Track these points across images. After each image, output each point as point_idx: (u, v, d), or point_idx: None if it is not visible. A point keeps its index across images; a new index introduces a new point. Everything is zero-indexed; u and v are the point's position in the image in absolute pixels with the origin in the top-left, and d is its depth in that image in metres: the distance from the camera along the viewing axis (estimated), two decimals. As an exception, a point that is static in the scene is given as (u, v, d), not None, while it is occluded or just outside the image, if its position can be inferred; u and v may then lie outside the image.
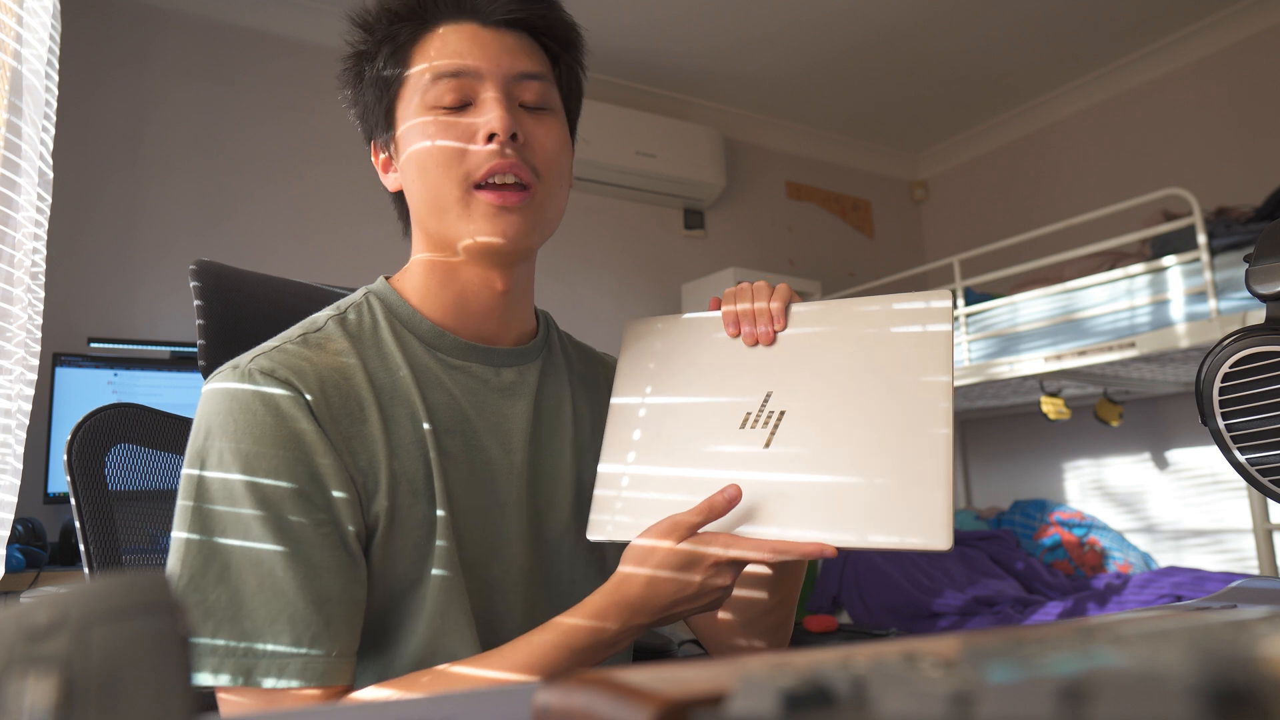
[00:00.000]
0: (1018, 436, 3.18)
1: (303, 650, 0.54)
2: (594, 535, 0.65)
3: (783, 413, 0.62)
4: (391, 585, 0.61)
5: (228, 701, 0.54)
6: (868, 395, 0.60)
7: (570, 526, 0.70)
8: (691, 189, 3.08)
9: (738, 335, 0.68)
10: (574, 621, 0.57)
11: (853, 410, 0.60)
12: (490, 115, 0.63)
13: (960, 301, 2.48)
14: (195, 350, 0.76)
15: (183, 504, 0.57)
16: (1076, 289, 2.18)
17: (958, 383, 2.44)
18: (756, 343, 0.67)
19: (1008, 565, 2.50)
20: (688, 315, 0.72)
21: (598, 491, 0.66)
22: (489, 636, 0.63)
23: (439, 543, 0.61)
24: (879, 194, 3.72)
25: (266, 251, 2.32)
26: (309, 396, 0.59)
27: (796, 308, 0.68)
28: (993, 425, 3.28)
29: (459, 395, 0.67)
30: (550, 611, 0.66)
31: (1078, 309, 2.17)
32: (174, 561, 0.56)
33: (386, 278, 0.72)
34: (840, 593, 2.61)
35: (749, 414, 0.63)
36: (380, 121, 0.69)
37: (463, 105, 0.65)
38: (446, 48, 0.65)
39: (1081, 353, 2.13)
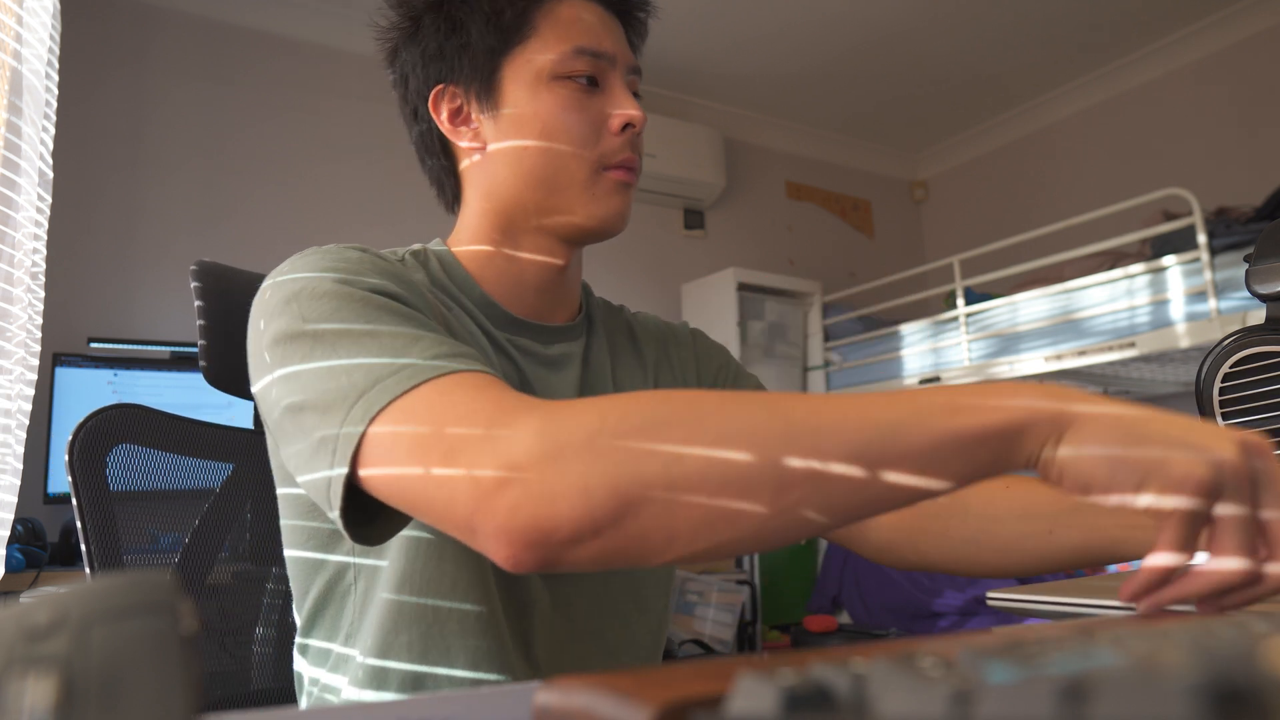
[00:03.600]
0: None
1: (461, 351, 0.47)
2: None
3: None
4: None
5: (382, 439, 0.44)
6: None
7: None
8: (691, 189, 3.08)
9: None
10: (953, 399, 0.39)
11: None
12: (628, 105, 0.64)
13: (960, 301, 2.48)
14: (195, 350, 0.76)
15: (278, 351, 0.50)
16: (1076, 289, 2.18)
17: (955, 383, 2.44)
18: None
19: None
20: None
21: None
22: (518, 596, 0.60)
23: None
24: (879, 194, 3.72)
25: (266, 251, 2.31)
26: (394, 268, 0.55)
27: None
28: None
29: (520, 363, 0.65)
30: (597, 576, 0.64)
31: (1077, 309, 2.17)
32: (284, 392, 0.48)
33: (441, 239, 0.69)
34: (840, 593, 2.61)
35: None
36: (480, 67, 0.64)
37: (591, 83, 0.64)
38: (582, 22, 0.64)
39: (1081, 352, 2.13)
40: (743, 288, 2.87)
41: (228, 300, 0.77)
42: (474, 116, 0.65)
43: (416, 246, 0.68)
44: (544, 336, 0.68)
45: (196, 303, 0.76)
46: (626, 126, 0.64)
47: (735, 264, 3.01)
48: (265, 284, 0.55)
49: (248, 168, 2.38)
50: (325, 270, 0.52)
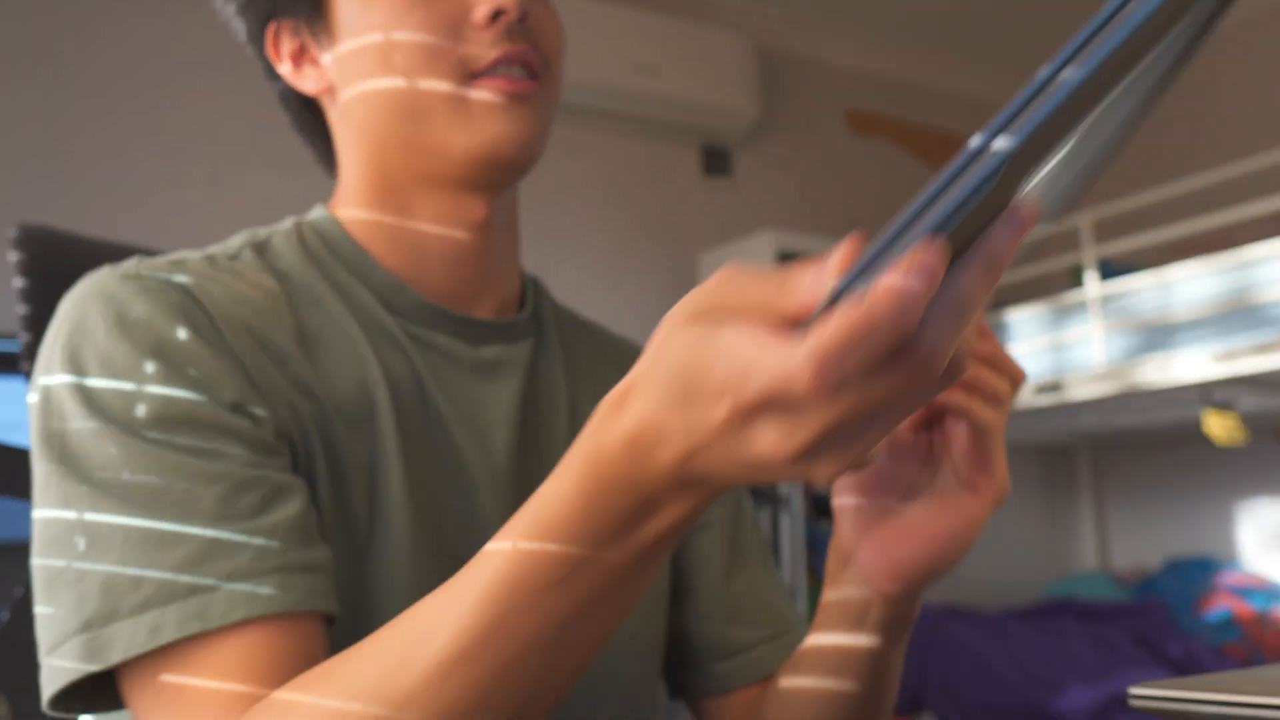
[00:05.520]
0: (1172, 468, 3.17)
1: (268, 565, 0.54)
2: None
3: None
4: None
5: (162, 687, 0.53)
6: None
7: None
8: (712, 119, 3.07)
9: None
10: (539, 516, 0.45)
11: None
12: None
13: (1092, 277, 2.48)
14: (16, 349, 0.77)
15: (40, 444, 0.58)
16: (1255, 261, 2.17)
17: (1085, 391, 2.44)
18: None
19: (1158, 649, 2.50)
20: None
21: None
22: None
23: (398, 574, 0.64)
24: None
25: (120, 208, 2.31)
26: (212, 310, 0.61)
27: None
28: (1137, 453, 3.28)
29: (422, 370, 0.70)
30: None
31: (1256, 288, 2.16)
32: (41, 540, 0.56)
33: (326, 207, 0.75)
34: (923, 687, 2.60)
35: None
36: None
37: None
38: None
39: (1262, 348, 2.12)
40: (785, 257, 2.86)
41: (63, 278, 0.77)
42: (315, 53, 0.72)
43: (289, 225, 0.73)
44: (472, 333, 0.73)
45: (18, 282, 0.77)
46: (497, 15, 0.65)
47: (774, 224, 3.00)
48: (55, 322, 0.63)
49: (93, 93, 2.37)
50: (83, 375, 0.58)
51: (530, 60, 0.67)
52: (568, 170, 2.91)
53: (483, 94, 0.66)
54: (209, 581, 0.53)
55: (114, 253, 0.85)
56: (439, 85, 0.66)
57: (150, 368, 0.58)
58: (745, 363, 0.36)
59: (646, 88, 2.91)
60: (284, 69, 0.73)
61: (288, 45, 0.72)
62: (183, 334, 0.59)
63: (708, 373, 0.37)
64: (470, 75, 0.66)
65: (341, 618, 0.61)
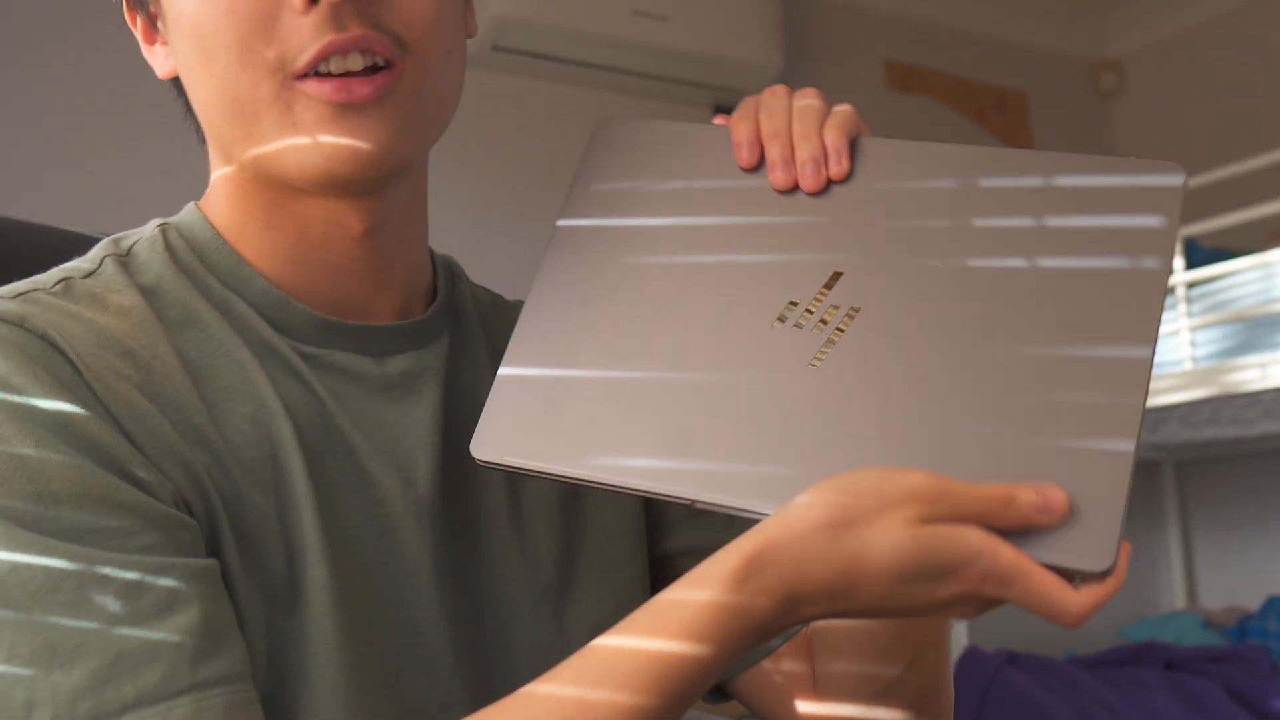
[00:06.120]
0: (1272, 489, 3.16)
1: (180, 684, 0.55)
2: (480, 451, 0.68)
3: (855, 310, 0.65)
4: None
5: None
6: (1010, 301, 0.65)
7: (524, 587, 0.76)
8: (727, 73, 3.05)
9: (756, 166, 0.72)
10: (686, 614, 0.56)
11: (980, 325, 0.63)
12: None
13: (1177, 262, 2.43)
14: None
15: None
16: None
17: (1168, 396, 2.42)
18: (794, 188, 0.72)
19: (1258, 704, 2.49)
20: (694, 125, 0.78)
21: (496, 393, 0.70)
22: None
23: (321, 632, 0.65)
24: (1040, 82, 3.70)
25: (15, 181, 2.28)
26: (77, 361, 0.60)
27: (871, 143, 0.73)
28: (1230, 471, 3.27)
29: (324, 396, 0.71)
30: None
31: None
32: None
33: (197, 205, 0.76)
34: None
35: (796, 303, 0.66)
36: None
37: None
38: None
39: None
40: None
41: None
42: (158, 32, 0.73)
43: (152, 230, 0.73)
44: (374, 344, 0.74)
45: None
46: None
47: (799, 198, 2.98)
48: None
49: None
50: None
51: (373, 46, 0.63)
52: (551, 137, 2.89)
53: (307, 102, 0.64)
54: (112, 706, 0.53)
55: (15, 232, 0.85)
56: (257, 87, 0.64)
57: (17, 434, 0.57)
58: (1004, 573, 0.53)
59: (648, 37, 2.88)
60: (141, 44, 0.75)
61: (139, 20, 0.74)
62: (50, 395, 0.59)
63: (949, 563, 0.53)
64: (292, 75, 0.63)
65: (268, 687, 0.62)
